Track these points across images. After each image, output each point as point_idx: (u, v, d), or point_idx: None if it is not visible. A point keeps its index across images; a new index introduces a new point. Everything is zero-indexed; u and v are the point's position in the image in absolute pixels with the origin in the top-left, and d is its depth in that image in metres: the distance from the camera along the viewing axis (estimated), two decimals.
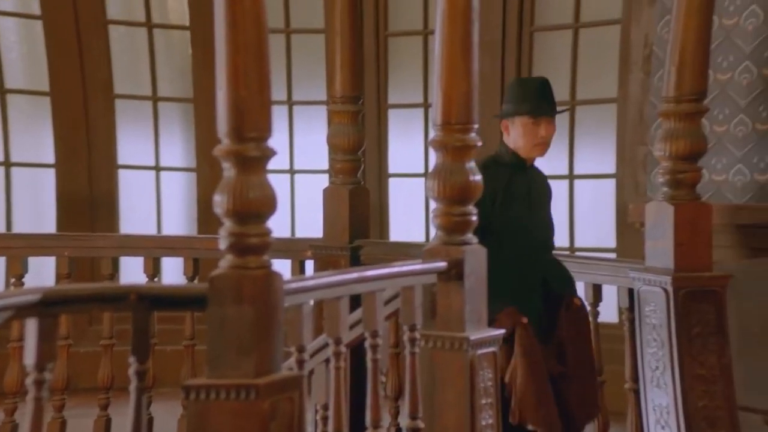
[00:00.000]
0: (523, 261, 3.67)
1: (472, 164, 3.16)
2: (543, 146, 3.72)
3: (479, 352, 3.16)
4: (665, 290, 3.69)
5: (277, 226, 2.59)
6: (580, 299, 3.69)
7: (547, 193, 3.78)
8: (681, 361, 3.63)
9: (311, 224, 5.25)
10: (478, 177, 3.16)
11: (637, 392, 3.88)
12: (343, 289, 2.85)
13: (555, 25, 5.24)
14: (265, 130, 2.45)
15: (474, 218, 3.17)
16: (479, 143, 3.16)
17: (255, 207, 2.46)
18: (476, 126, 3.13)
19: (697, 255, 3.70)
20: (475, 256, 3.17)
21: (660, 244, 3.72)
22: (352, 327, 3.37)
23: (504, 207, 3.65)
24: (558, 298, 3.70)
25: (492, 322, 3.37)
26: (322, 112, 5.66)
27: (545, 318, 3.69)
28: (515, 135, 3.72)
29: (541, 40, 5.29)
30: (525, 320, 3.55)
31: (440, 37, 3.07)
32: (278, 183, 2.59)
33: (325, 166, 5.58)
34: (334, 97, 4.76)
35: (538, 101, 3.71)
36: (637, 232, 4.03)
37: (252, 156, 2.44)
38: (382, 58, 5.67)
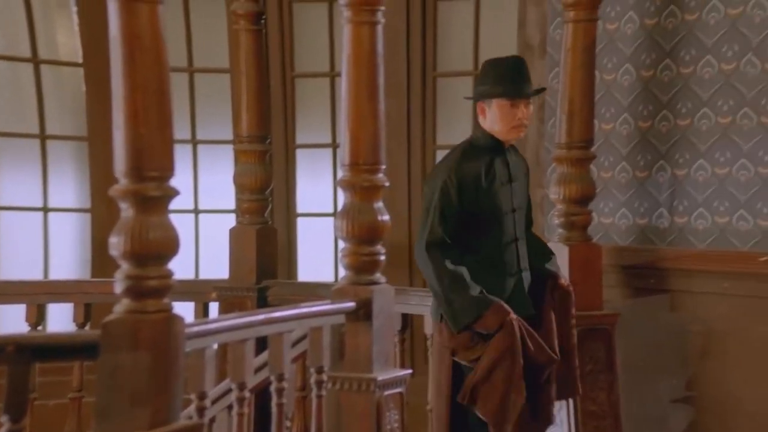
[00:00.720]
0: (509, 244, 3.16)
1: (380, 204, 2.85)
2: (521, 128, 3.17)
3: (386, 393, 2.84)
4: None
5: (181, 267, 2.19)
6: (565, 279, 3.19)
7: (526, 172, 3.27)
8: (575, 398, 3.36)
9: (217, 265, 4.80)
10: (386, 217, 2.86)
11: None
12: (248, 331, 2.49)
13: (456, 72, 4.98)
14: (167, 170, 2.13)
15: (382, 258, 2.85)
16: (387, 183, 2.87)
17: (155, 248, 2.11)
18: (383, 167, 2.86)
19: (590, 294, 3.49)
20: (384, 295, 2.87)
21: None
22: (257, 370, 2.96)
23: (488, 191, 3.13)
24: (542, 278, 3.18)
25: (477, 319, 3.00)
26: (228, 151, 5.21)
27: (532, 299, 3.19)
28: (492, 118, 3.18)
29: (444, 84, 5.03)
30: (513, 317, 3.05)
31: (347, 80, 2.82)
32: (182, 223, 2.22)
33: (232, 205, 5.11)
34: (241, 136, 4.38)
35: (513, 82, 3.16)
36: None
37: (152, 195, 2.11)
38: (289, 98, 5.28)
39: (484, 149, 3.21)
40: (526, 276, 3.20)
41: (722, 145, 3.49)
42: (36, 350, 2.04)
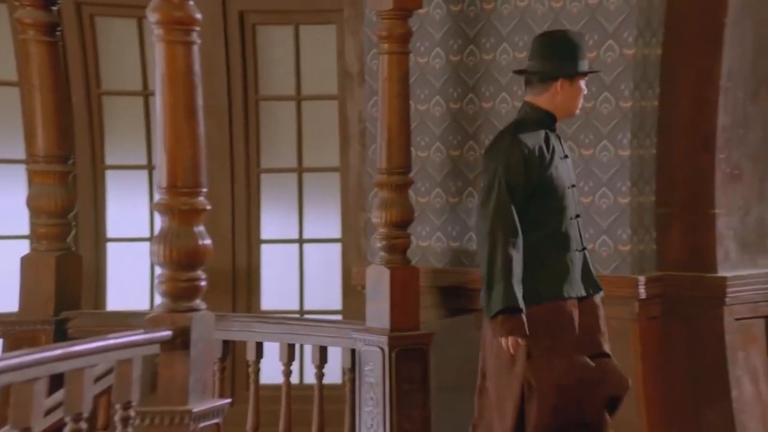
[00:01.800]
0: (572, 219, 2.65)
1: (201, 228, 2.32)
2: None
3: (202, 425, 2.28)
4: (382, 349, 3.05)
5: None
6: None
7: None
8: (391, 417, 3.00)
9: (6, 297, 3.91)
10: (208, 241, 2.33)
11: None
12: (38, 369, 1.87)
13: (279, 96, 4.42)
14: None
15: (203, 283, 2.30)
16: (208, 207, 2.34)
17: None
18: (204, 190, 2.33)
19: (408, 315, 3.10)
20: (203, 322, 2.32)
21: (378, 305, 3.10)
22: (49, 412, 2.27)
23: (550, 165, 2.61)
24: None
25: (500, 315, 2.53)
26: (20, 171, 4.29)
27: None
28: (570, 95, 2.61)
29: (267, 108, 4.46)
30: (514, 341, 2.55)
31: (162, 100, 2.30)
32: None
33: (25, 231, 4.20)
34: (36, 155, 3.46)
35: (586, 58, 2.66)
36: (360, 295, 3.42)
37: None
38: (96, 116, 4.44)
39: (539, 124, 2.65)
40: (587, 254, 2.71)
41: None
42: None
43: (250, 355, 3.27)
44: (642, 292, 3.03)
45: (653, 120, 3.14)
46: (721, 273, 3.05)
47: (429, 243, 3.46)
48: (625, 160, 3.09)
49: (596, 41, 3.13)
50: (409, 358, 3.06)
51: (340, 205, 4.38)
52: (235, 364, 3.81)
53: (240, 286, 4.36)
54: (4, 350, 3.33)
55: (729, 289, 3.04)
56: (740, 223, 3.13)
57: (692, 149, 3.12)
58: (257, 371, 3.28)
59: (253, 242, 4.48)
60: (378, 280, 3.12)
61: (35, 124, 3.47)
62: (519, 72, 2.88)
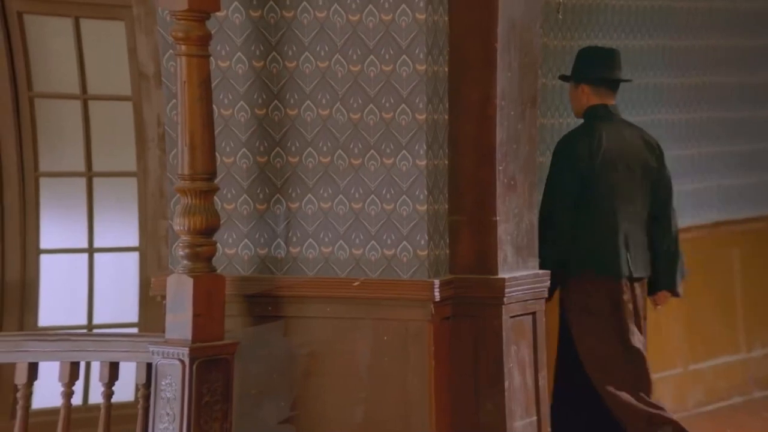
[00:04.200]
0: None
1: None
2: None
3: None
4: (182, 361, 2.93)
5: None
6: None
7: None
8: (189, 431, 2.88)
9: None
10: None
11: None
12: None
13: (60, 94, 4.09)
14: None
15: None
16: None
17: None
18: None
19: (213, 325, 3.00)
20: None
21: (180, 316, 2.97)
22: None
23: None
24: None
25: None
26: None
27: None
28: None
29: (45, 106, 4.11)
30: None
31: None
32: None
33: None
34: None
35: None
36: (160, 306, 3.26)
37: None
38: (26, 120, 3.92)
39: (599, 120, 3.51)
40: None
41: (324, 182, 3.36)
42: None
43: (20, 378, 3.00)
44: (437, 294, 3.19)
45: (445, 132, 3.33)
46: (501, 275, 3.30)
47: (236, 250, 3.38)
48: (422, 169, 3.23)
49: (392, 56, 3.25)
50: (211, 369, 2.95)
51: (138, 212, 4.15)
52: (2, 389, 3.48)
53: (11, 301, 4.01)
54: None
55: (507, 290, 3.28)
56: (515, 228, 3.40)
57: (477, 161, 3.34)
58: (28, 395, 3.02)
59: (29, 252, 4.14)
60: (180, 289, 2.99)
61: None
62: (622, 81, 3.97)
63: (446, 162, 3.33)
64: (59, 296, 4.23)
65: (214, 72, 3.28)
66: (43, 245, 4.19)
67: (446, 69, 3.31)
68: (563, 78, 4.04)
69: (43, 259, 4.19)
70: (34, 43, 4.04)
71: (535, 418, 3.35)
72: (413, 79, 3.22)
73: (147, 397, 2.98)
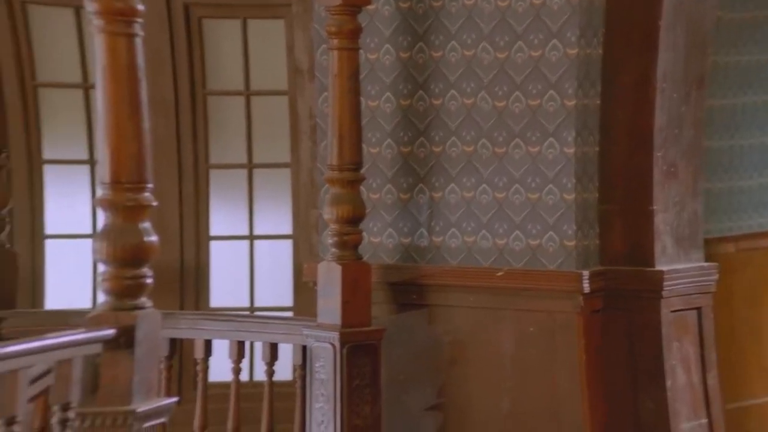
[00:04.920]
0: None
1: (147, 224, 2.27)
2: None
3: (146, 425, 2.22)
4: (333, 345, 3.04)
5: None
6: None
7: None
8: (342, 413, 3.00)
9: None
10: (154, 238, 2.27)
11: None
12: None
13: (227, 91, 4.36)
14: None
15: (148, 281, 2.27)
16: (154, 203, 2.29)
17: None
18: (150, 185, 2.28)
19: (360, 311, 3.09)
20: (149, 320, 2.26)
21: (329, 302, 3.09)
22: None
23: None
24: None
25: None
26: None
27: None
28: None
29: (215, 103, 4.40)
30: None
31: (103, 93, 2.23)
32: None
33: None
34: None
35: None
36: (312, 291, 3.39)
37: None
38: (31, 109, 4.30)
39: None
40: None
41: (467, 171, 3.35)
42: None
43: (199, 353, 3.23)
44: (586, 286, 3.10)
45: (596, 118, 3.21)
46: (658, 267, 3.15)
47: (380, 239, 3.44)
48: (570, 157, 3.14)
49: (541, 40, 3.18)
50: (360, 354, 3.05)
51: (291, 202, 4.36)
52: (183, 363, 3.77)
53: (188, 283, 4.31)
54: None
55: (666, 283, 3.14)
56: (676, 218, 3.23)
57: (632, 147, 3.20)
58: (205, 369, 3.25)
59: (201, 239, 4.43)
60: (329, 276, 3.11)
61: None
62: None
63: (597, 149, 3.22)
64: (225, 280, 4.53)
65: (363, 64, 3.35)
66: (212, 232, 4.50)
67: (600, 51, 3.18)
68: None
69: (213, 245, 4.50)
70: (209, 44, 4.33)
71: (705, 420, 3.18)
72: (563, 64, 3.14)
73: (303, 377, 3.12)
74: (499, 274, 3.20)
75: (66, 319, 3.07)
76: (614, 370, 3.15)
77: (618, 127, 3.21)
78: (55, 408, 2.09)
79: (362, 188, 3.28)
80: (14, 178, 3.99)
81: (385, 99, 3.46)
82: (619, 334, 3.16)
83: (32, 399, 2.20)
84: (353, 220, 3.18)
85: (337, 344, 3.03)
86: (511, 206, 3.24)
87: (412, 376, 3.33)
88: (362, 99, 3.33)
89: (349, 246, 3.16)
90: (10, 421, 1.90)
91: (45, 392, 2.43)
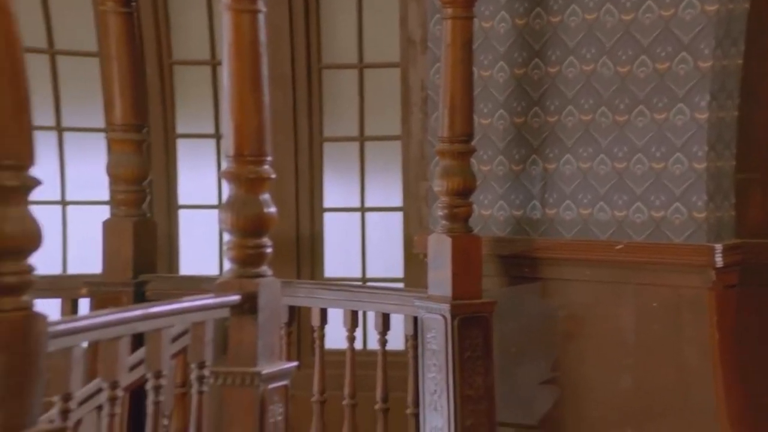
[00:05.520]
0: None
1: (266, 196, 2.41)
2: None
3: (271, 386, 2.38)
4: (444, 317, 3.09)
5: (47, 262, 1.69)
6: None
7: None
8: (454, 383, 3.06)
9: (88, 260, 4.08)
10: (273, 209, 2.41)
11: (417, 416, 3.18)
12: (122, 328, 2.02)
13: (341, 64, 4.47)
14: (26, 158, 1.65)
15: (268, 250, 2.40)
16: (273, 175, 2.42)
17: (12, 242, 1.63)
18: (269, 158, 2.41)
19: (470, 283, 3.13)
20: (270, 288, 2.41)
21: (440, 273, 3.13)
22: (133, 368, 2.43)
23: None
24: None
25: None
26: (99, 139, 4.47)
27: None
28: None
29: (329, 76, 4.52)
30: None
31: (228, 69, 2.37)
32: (48, 215, 1.72)
33: (105, 197, 4.23)
34: (114, 124, 3.62)
35: None
36: (422, 263, 3.44)
37: (7, 186, 1.62)
38: (168, 86, 4.54)
39: None
40: None
41: (584, 141, 3.26)
42: None
43: (315, 321, 3.34)
44: (719, 260, 2.95)
45: (736, 80, 3.02)
46: None
47: (491, 211, 3.44)
48: (702, 123, 2.98)
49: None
50: (471, 326, 3.09)
51: (402, 174, 4.44)
52: (301, 330, 3.92)
53: (304, 253, 4.46)
54: (92, 309, 3.49)
55: None
56: None
57: None
58: (322, 336, 3.37)
59: (316, 210, 4.56)
60: (440, 248, 3.15)
61: (113, 93, 3.62)
62: None
63: (736, 113, 3.03)
64: (338, 251, 4.67)
65: (477, 33, 3.32)
66: (325, 204, 4.64)
67: (747, 5, 2.97)
68: None
69: (326, 216, 4.65)
70: (324, 19, 4.45)
71: None
72: (699, 22, 2.95)
73: (415, 347, 3.19)
74: (619, 247, 3.12)
75: (198, 284, 3.27)
76: (753, 351, 3.01)
77: (765, 89, 3.02)
78: (193, 366, 2.27)
79: (473, 160, 3.28)
80: (152, 151, 4.25)
81: (499, 68, 3.42)
82: (758, 313, 3.01)
83: (173, 356, 2.40)
84: (464, 192, 3.20)
85: (448, 316, 3.07)
86: (632, 177, 3.14)
87: (525, 349, 3.32)
88: (475, 69, 3.30)
89: (459, 218, 3.18)
90: (157, 375, 2.09)
91: (183, 351, 2.63)
